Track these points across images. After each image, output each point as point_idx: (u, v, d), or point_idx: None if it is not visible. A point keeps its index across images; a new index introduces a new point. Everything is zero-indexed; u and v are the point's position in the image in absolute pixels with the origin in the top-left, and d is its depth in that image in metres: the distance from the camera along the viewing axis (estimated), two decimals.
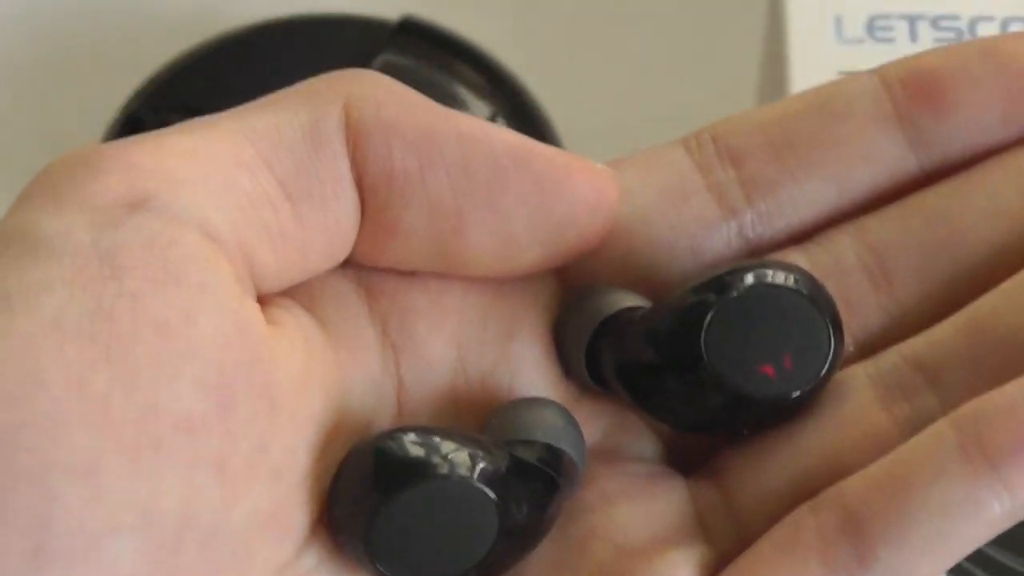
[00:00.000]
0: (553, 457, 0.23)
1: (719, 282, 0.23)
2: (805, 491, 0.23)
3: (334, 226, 0.22)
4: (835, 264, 0.25)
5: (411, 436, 0.22)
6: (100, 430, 0.19)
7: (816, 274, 0.24)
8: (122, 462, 0.19)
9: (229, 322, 0.20)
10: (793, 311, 0.23)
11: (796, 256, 0.25)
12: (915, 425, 0.23)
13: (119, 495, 0.19)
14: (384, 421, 0.24)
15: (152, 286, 0.20)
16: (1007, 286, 0.24)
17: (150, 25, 0.47)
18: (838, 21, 0.35)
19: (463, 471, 0.22)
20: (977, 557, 0.32)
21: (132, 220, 0.20)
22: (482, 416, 0.24)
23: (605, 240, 0.24)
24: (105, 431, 0.19)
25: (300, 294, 0.23)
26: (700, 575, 0.23)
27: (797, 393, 0.23)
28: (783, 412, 0.24)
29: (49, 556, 0.19)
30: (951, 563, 0.22)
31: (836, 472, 0.23)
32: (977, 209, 0.25)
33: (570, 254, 0.24)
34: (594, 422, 0.25)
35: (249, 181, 0.21)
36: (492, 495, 0.22)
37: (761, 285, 0.23)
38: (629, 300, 0.24)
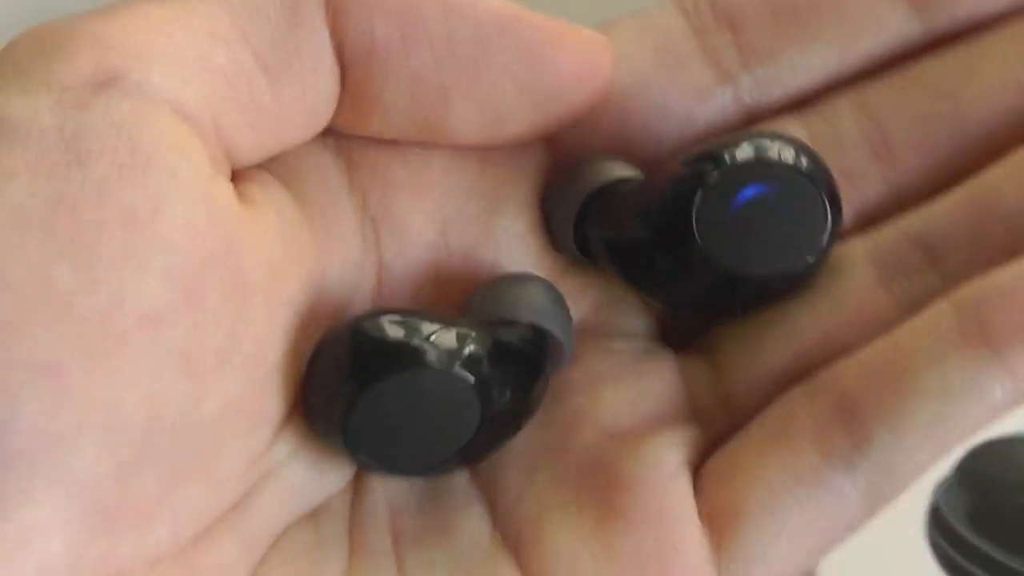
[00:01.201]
0: (538, 338, 0.22)
1: (711, 155, 0.22)
2: (800, 372, 0.23)
3: (312, 99, 0.22)
4: (835, 134, 0.24)
5: (390, 319, 0.21)
6: (63, 327, 0.18)
7: (815, 145, 0.23)
8: (86, 360, 0.19)
9: (200, 209, 0.20)
10: (788, 186, 0.22)
11: (794, 125, 0.24)
12: (914, 304, 0.22)
13: (83, 394, 0.18)
14: (363, 300, 0.23)
15: (119, 172, 0.19)
16: (1010, 161, 0.23)
17: None
18: None
19: (444, 357, 0.21)
20: (977, 557, 0.33)
21: (100, 101, 0.19)
22: (465, 293, 0.23)
23: (596, 107, 0.23)
24: (68, 328, 0.18)
25: (277, 166, 0.22)
26: (690, 459, 0.22)
27: (792, 272, 0.23)
28: (778, 291, 0.23)
29: (11, 458, 0.18)
30: (950, 449, 0.21)
31: (832, 352, 0.22)
32: (982, 81, 0.24)
33: (560, 123, 0.23)
34: (582, 297, 0.24)
35: (225, 54, 0.21)
36: (475, 381, 0.21)
37: (754, 159, 0.22)
38: (620, 171, 0.23)
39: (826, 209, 0.22)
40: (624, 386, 0.23)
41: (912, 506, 0.32)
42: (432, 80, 0.22)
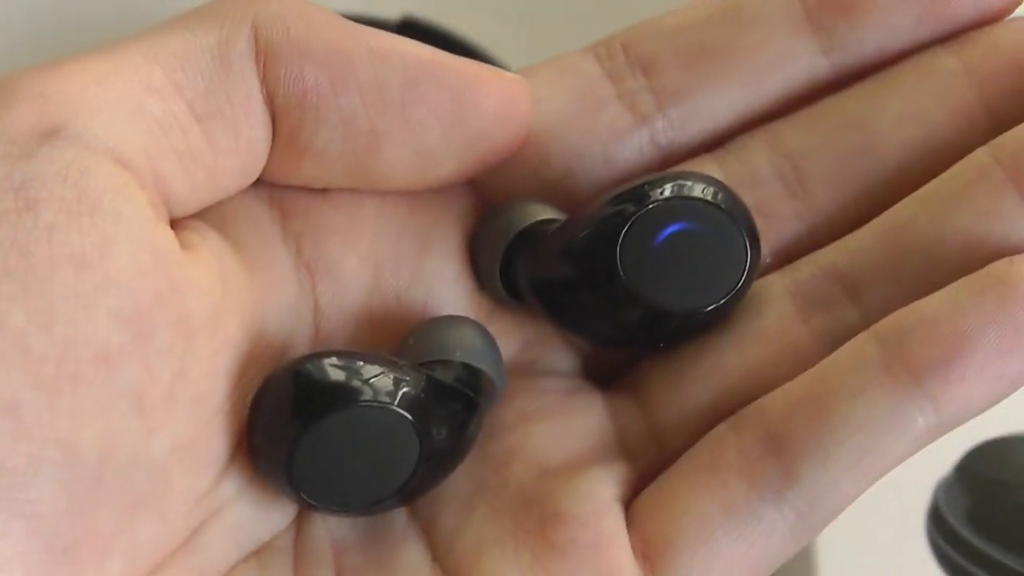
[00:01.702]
0: (472, 377, 0.23)
1: (634, 195, 0.23)
2: (725, 407, 0.23)
3: (245, 147, 0.22)
4: (749, 172, 0.25)
5: (329, 360, 0.22)
6: (19, 366, 0.19)
7: (731, 183, 0.24)
8: (42, 397, 0.19)
9: (145, 251, 0.20)
10: (709, 223, 0.23)
11: (709, 164, 0.25)
12: (835, 338, 0.23)
13: (39, 431, 0.19)
14: (301, 344, 0.23)
15: (67, 218, 0.20)
16: (923, 193, 0.24)
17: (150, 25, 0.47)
18: None
19: (383, 396, 0.21)
20: (977, 557, 0.32)
21: (45, 150, 0.20)
22: (398, 334, 0.24)
23: (518, 150, 0.24)
24: (24, 367, 0.19)
25: (213, 216, 0.23)
26: (621, 494, 0.23)
27: (713, 306, 0.23)
28: (700, 325, 0.24)
29: None
30: (875, 480, 0.22)
31: (756, 387, 0.23)
32: (891, 114, 0.24)
33: (485, 164, 0.24)
34: (510, 336, 0.25)
35: (159, 105, 0.21)
36: (413, 419, 0.22)
37: (676, 198, 0.23)
38: (544, 213, 0.24)
39: (745, 244, 0.23)
40: (554, 424, 0.24)
41: (912, 506, 0.32)
42: (363, 124, 0.23)
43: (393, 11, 0.44)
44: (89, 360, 0.19)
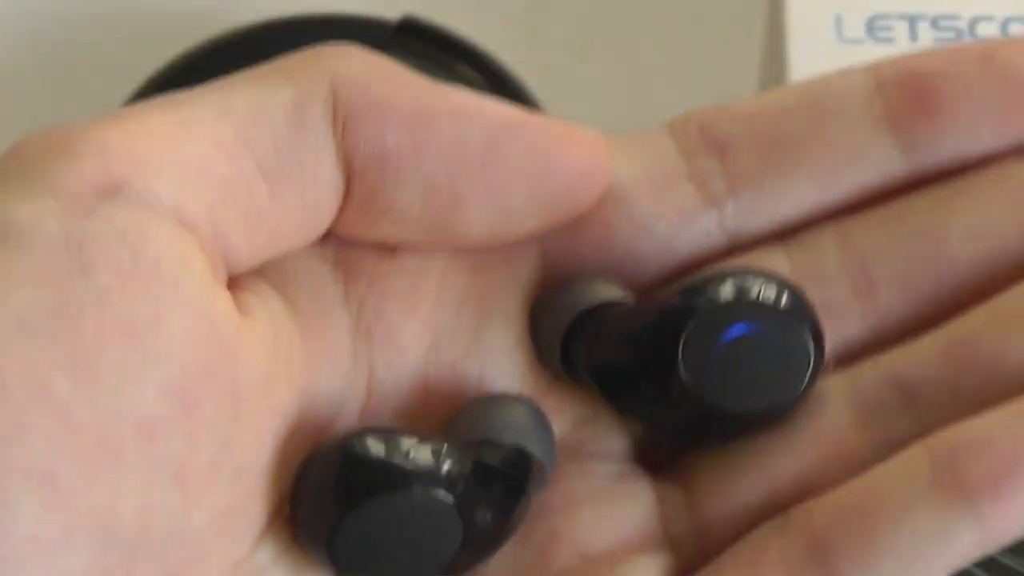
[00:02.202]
0: (521, 460, 0.23)
1: (701, 290, 0.23)
2: (773, 507, 0.23)
3: (312, 207, 0.22)
4: (817, 268, 0.24)
5: (377, 439, 0.22)
6: (59, 436, 0.19)
7: (797, 277, 0.24)
8: (80, 469, 0.19)
9: (199, 321, 0.20)
10: (775, 326, 0.23)
11: (777, 255, 0.25)
12: (889, 447, 0.23)
13: (76, 503, 0.19)
14: (352, 411, 0.23)
15: (122, 282, 0.19)
16: (990, 307, 0.23)
17: (150, 25, 0.47)
18: (838, 21, 0.35)
19: (429, 480, 0.21)
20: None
21: (104, 209, 0.20)
22: (452, 404, 0.24)
23: (587, 216, 0.24)
24: (64, 437, 0.19)
25: (275, 273, 0.23)
26: None
27: (773, 410, 0.23)
28: (758, 428, 0.24)
29: (3, 563, 0.18)
30: None
31: (806, 490, 0.23)
32: (964, 224, 0.24)
33: (564, 221, 0.24)
34: (563, 413, 0.25)
35: (227, 164, 0.21)
36: (458, 504, 0.22)
37: (744, 297, 0.22)
38: (610, 292, 0.24)
39: (810, 349, 0.23)
40: (600, 509, 0.24)
41: None
42: (444, 186, 0.22)
43: (393, 11, 0.44)
44: (132, 433, 0.19)
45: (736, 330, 0.22)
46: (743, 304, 0.22)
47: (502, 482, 0.22)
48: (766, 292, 0.23)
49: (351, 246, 0.24)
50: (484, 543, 0.22)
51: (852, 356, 0.24)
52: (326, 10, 0.43)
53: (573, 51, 0.49)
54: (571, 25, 0.49)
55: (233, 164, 0.21)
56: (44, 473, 0.19)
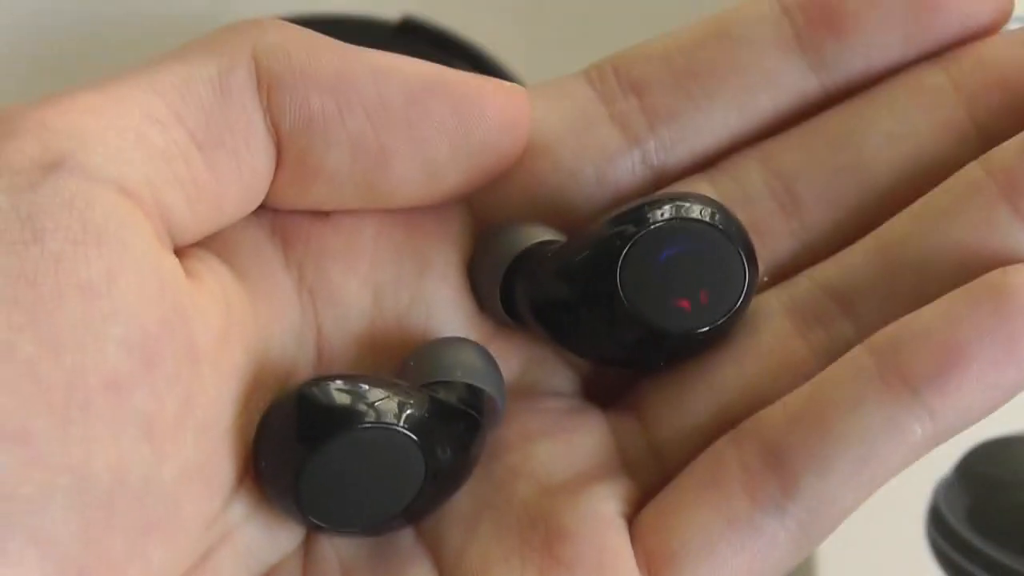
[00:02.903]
0: (474, 397, 0.23)
1: (633, 216, 0.23)
2: (725, 423, 0.23)
3: (248, 175, 0.22)
4: (742, 191, 0.25)
5: (333, 384, 0.22)
6: (29, 394, 0.19)
7: (724, 202, 0.24)
8: (53, 425, 0.19)
9: (151, 279, 0.21)
10: (708, 244, 0.23)
11: (702, 184, 0.25)
12: (831, 352, 0.23)
13: (51, 458, 0.19)
14: (305, 369, 0.24)
15: (73, 247, 0.20)
16: (916, 208, 0.24)
17: (150, 25, 0.48)
18: None
19: (388, 418, 0.22)
20: (977, 557, 0.32)
21: (49, 181, 0.20)
22: (400, 356, 0.24)
23: (513, 168, 0.24)
24: (34, 395, 0.19)
25: (216, 244, 0.23)
26: (624, 510, 0.23)
27: (712, 327, 0.23)
28: (699, 345, 0.24)
29: None
30: (874, 490, 0.22)
31: (755, 403, 0.23)
32: (882, 131, 0.25)
33: (489, 176, 0.24)
34: (511, 358, 0.25)
35: (161, 136, 0.21)
36: (418, 440, 0.22)
37: (675, 219, 0.23)
38: (543, 234, 0.24)
39: (744, 265, 0.23)
40: (556, 442, 0.24)
41: (912, 506, 0.32)
42: (371, 143, 0.23)
43: (393, 11, 0.44)
44: (99, 387, 0.20)
45: (670, 250, 0.23)
46: (676, 224, 0.23)
47: (458, 417, 0.23)
48: (695, 211, 0.23)
49: (286, 213, 0.24)
50: (445, 479, 0.23)
51: (786, 273, 0.25)
52: (326, 10, 0.43)
53: (573, 51, 0.49)
54: (571, 25, 0.49)
55: (167, 135, 0.21)
56: (17, 431, 0.19)
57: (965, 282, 0.23)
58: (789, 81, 0.25)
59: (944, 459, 0.32)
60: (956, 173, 0.24)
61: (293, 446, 0.22)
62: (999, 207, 0.23)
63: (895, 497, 0.32)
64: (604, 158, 0.25)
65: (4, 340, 0.19)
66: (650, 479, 0.24)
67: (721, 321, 0.23)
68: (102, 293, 0.20)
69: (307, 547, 0.23)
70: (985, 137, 0.24)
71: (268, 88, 0.22)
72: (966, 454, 0.33)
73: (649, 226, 0.23)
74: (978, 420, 0.22)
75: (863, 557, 0.32)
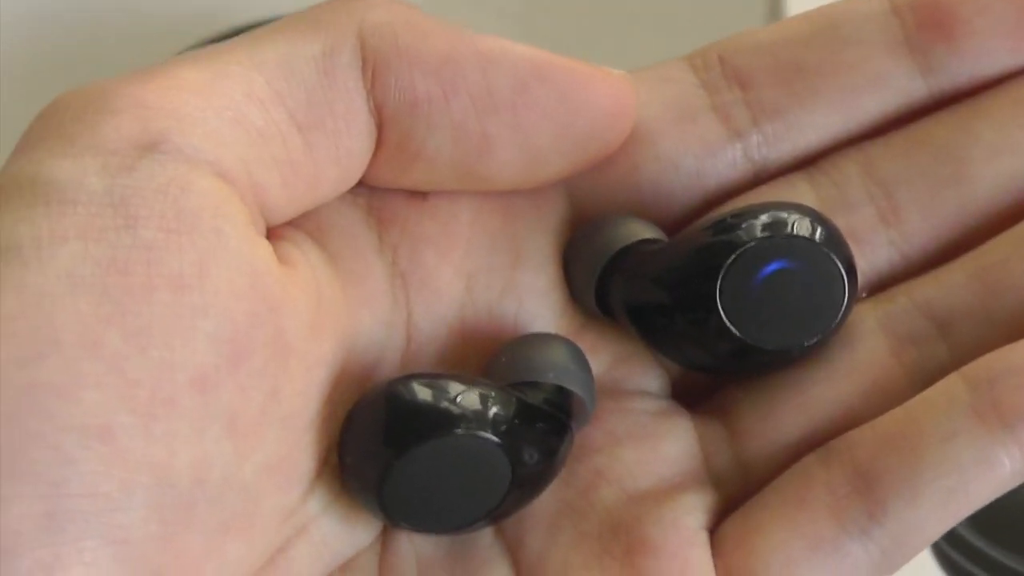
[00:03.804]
0: (563, 399, 0.23)
1: (736, 226, 0.23)
2: (814, 439, 0.23)
3: (346, 156, 0.22)
4: (842, 197, 0.25)
5: (424, 384, 0.22)
6: (114, 390, 0.19)
7: (823, 207, 0.24)
8: (136, 422, 0.19)
9: (242, 271, 0.20)
10: (810, 262, 0.23)
11: (802, 184, 0.25)
12: (925, 374, 0.23)
13: (133, 456, 0.19)
14: (393, 357, 0.23)
15: (166, 236, 0.19)
16: (1017, 232, 0.24)
17: (150, 25, 0.48)
18: None
19: (476, 424, 0.21)
20: (977, 557, 0.33)
21: (144, 164, 0.20)
22: (489, 347, 0.24)
23: (614, 158, 0.24)
24: (119, 391, 0.19)
25: (309, 223, 0.23)
26: (707, 522, 0.23)
27: (808, 344, 0.23)
28: (792, 361, 0.24)
29: (63, 519, 0.18)
30: (960, 519, 0.22)
31: (846, 422, 0.23)
32: (984, 144, 0.24)
33: (591, 163, 0.24)
34: (600, 353, 0.25)
35: (260, 115, 0.21)
36: (505, 446, 0.22)
37: (778, 234, 0.23)
38: (643, 231, 0.24)
39: (844, 283, 0.23)
40: (642, 447, 0.24)
41: None
42: (474, 129, 0.22)
43: None
44: (185, 384, 0.19)
45: (772, 266, 0.23)
46: (778, 239, 0.23)
47: (546, 421, 0.22)
48: (799, 226, 0.23)
49: (382, 193, 0.24)
50: (531, 483, 0.22)
51: (881, 283, 0.25)
52: None
53: (573, 51, 0.49)
54: (570, 25, 0.49)
55: (266, 116, 0.21)
56: (101, 428, 0.19)
57: None
58: (896, 84, 0.25)
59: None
60: None
61: (379, 447, 0.21)
62: None
63: None
64: (705, 150, 0.25)
65: (92, 333, 0.19)
66: (734, 491, 0.23)
67: (818, 339, 0.23)
68: (193, 286, 0.19)
69: (384, 541, 0.23)
70: None
71: (373, 69, 0.22)
72: None
73: (752, 240, 0.23)
74: None
75: None
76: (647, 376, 0.25)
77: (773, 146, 0.25)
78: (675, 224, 0.25)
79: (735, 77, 0.25)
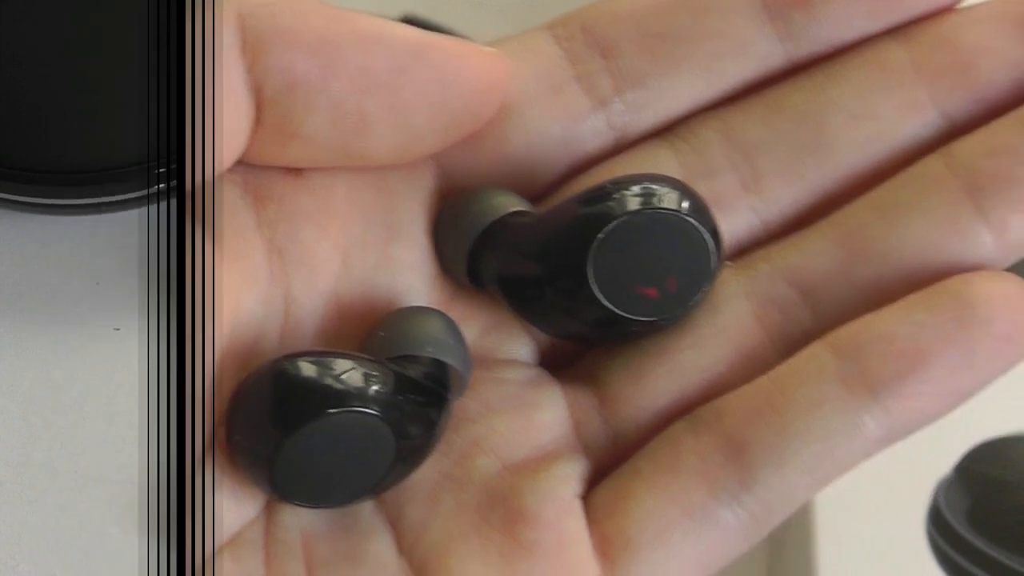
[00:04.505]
0: (441, 372, 0.23)
1: (606, 199, 0.23)
2: (683, 406, 0.24)
3: (226, 136, 0.22)
4: (705, 164, 0.25)
5: (310, 363, 0.22)
6: None
7: (686, 174, 0.24)
8: None
9: None
10: (679, 234, 0.23)
11: (664, 151, 0.25)
12: (789, 340, 0.24)
13: None
14: (273, 333, 0.24)
15: None
16: (877, 197, 0.24)
17: None
18: None
19: (362, 400, 0.22)
20: (977, 557, 0.32)
21: None
22: (365, 320, 0.24)
23: (482, 131, 0.24)
24: None
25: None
26: (580, 490, 0.23)
27: (676, 315, 0.24)
28: (662, 331, 0.24)
29: None
30: (827, 484, 0.23)
31: (713, 388, 0.24)
32: (844, 109, 0.25)
33: (462, 136, 0.24)
34: (471, 322, 0.25)
35: None
36: (390, 421, 0.22)
37: (649, 208, 0.23)
38: (513, 204, 0.24)
39: (711, 253, 0.24)
40: (516, 417, 0.24)
41: (912, 506, 0.32)
42: (351, 109, 0.23)
43: (393, 11, 0.44)
44: None
45: (642, 238, 0.23)
46: (646, 211, 0.23)
47: (425, 395, 0.23)
48: (667, 198, 0.23)
49: (259, 170, 0.24)
50: (413, 456, 0.23)
51: (744, 250, 0.25)
52: None
53: None
54: None
55: None
56: None
57: (924, 280, 0.23)
58: (756, 50, 0.25)
59: (944, 459, 0.32)
60: (918, 163, 0.24)
61: (269, 426, 0.22)
62: (961, 207, 0.23)
63: (895, 497, 0.32)
64: (571, 120, 0.25)
65: None
66: (604, 457, 0.24)
67: (686, 308, 0.24)
68: None
69: (268, 514, 0.23)
70: (946, 118, 0.25)
71: (253, 49, 0.22)
72: (966, 454, 0.33)
73: (622, 214, 0.23)
74: (933, 422, 0.23)
75: (863, 557, 0.32)
76: (517, 344, 0.25)
77: (636, 114, 0.25)
78: (541, 193, 0.25)
79: (598, 46, 0.25)
